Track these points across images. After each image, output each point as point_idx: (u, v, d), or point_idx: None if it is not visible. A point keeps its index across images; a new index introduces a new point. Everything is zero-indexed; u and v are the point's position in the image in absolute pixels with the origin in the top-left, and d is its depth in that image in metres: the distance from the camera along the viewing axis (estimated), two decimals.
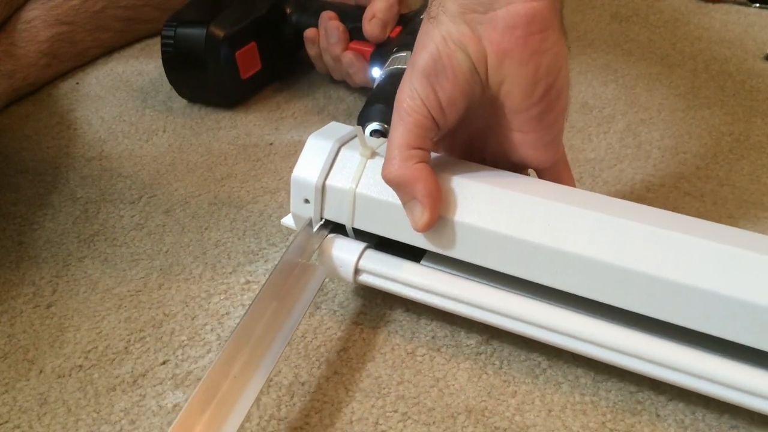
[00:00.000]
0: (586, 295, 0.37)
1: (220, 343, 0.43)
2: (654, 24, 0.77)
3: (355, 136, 0.42)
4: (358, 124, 0.51)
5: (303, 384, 0.41)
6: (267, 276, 0.47)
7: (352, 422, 0.38)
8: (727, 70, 0.68)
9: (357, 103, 0.65)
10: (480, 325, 0.43)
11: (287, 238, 0.50)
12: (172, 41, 0.62)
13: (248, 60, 0.64)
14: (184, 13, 0.64)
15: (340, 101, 0.66)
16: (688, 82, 0.67)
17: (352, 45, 0.62)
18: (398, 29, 0.62)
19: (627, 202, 0.39)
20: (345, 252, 0.42)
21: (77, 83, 0.70)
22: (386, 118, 0.50)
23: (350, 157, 0.41)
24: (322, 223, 0.43)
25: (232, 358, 0.36)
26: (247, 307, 0.45)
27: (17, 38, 0.68)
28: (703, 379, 0.36)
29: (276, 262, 0.48)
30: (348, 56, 0.62)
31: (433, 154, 0.41)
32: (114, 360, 0.43)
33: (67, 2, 0.71)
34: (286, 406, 0.39)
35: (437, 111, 0.38)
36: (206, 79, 0.63)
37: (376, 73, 0.60)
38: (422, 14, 0.61)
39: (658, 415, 0.38)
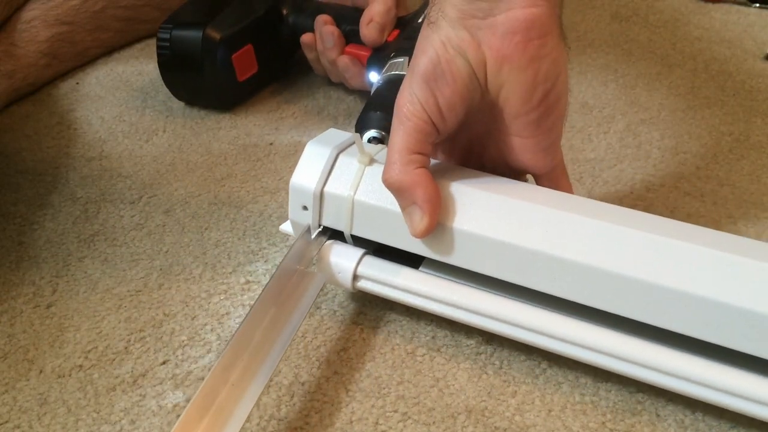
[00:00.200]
0: (583, 302, 0.37)
1: (220, 343, 0.43)
2: (654, 24, 0.77)
3: (353, 143, 0.43)
4: (356, 131, 0.51)
5: (303, 384, 0.41)
6: (266, 281, 0.47)
7: (352, 422, 0.39)
8: (727, 70, 0.68)
9: (356, 103, 0.65)
10: None
11: (287, 239, 0.50)
12: (168, 44, 0.62)
13: (245, 62, 0.64)
14: (181, 14, 0.63)
15: (339, 102, 0.66)
16: (688, 82, 0.67)
17: (349, 49, 0.62)
18: (396, 32, 0.61)
19: (625, 209, 0.39)
20: (343, 258, 0.42)
21: (77, 83, 0.70)
22: (384, 125, 0.50)
23: (348, 164, 0.42)
24: (320, 230, 0.43)
25: (230, 365, 0.36)
26: (246, 311, 0.45)
27: (17, 38, 0.68)
28: (701, 385, 0.36)
29: (276, 262, 0.49)
30: (344, 61, 0.61)
31: (432, 161, 0.41)
32: (114, 360, 0.43)
33: (67, 2, 0.71)
34: (286, 406, 0.39)
35: (437, 116, 0.38)
36: (203, 82, 0.63)
37: (374, 77, 0.59)
38: (420, 17, 0.61)
39: (658, 415, 0.38)
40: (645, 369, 0.37)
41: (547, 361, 0.41)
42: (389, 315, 0.44)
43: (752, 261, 0.34)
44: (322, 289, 0.46)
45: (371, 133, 0.50)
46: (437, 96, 0.37)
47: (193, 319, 0.45)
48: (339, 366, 0.42)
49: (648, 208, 0.52)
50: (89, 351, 0.43)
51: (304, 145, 0.43)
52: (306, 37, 0.64)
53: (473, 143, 0.43)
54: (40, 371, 0.42)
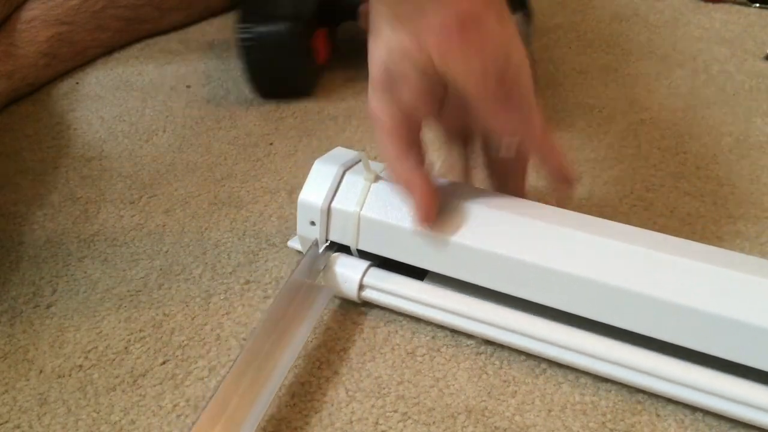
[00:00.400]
0: (584, 315, 0.39)
1: (220, 343, 0.43)
2: (654, 24, 0.77)
3: (359, 160, 0.44)
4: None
5: (303, 384, 0.41)
6: (266, 281, 0.47)
7: (352, 422, 0.38)
8: (727, 70, 0.68)
9: (357, 102, 0.65)
10: None
11: (287, 239, 0.50)
12: (252, 42, 0.63)
13: (321, 45, 0.67)
14: (251, 10, 0.65)
15: (340, 101, 0.66)
16: (688, 82, 0.67)
17: None
18: None
19: (624, 225, 0.40)
20: (349, 269, 0.44)
21: (77, 83, 0.70)
22: None
23: (354, 181, 0.43)
24: (327, 244, 0.44)
25: (241, 375, 0.37)
26: (246, 311, 0.45)
27: (17, 38, 0.68)
28: (700, 391, 0.37)
29: (276, 263, 0.49)
30: None
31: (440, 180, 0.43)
32: (114, 360, 0.43)
33: (67, 2, 0.71)
34: (286, 406, 0.39)
35: (408, 114, 0.39)
36: (290, 72, 0.66)
37: None
38: None
39: (658, 415, 0.38)
40: (642, 375, 0.38)
41: (547, 362, 0.41)
42: (389, 315, 0.44)
43: (744, 275, 0.36)
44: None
45: None
46: (398, 99, 0.38)
47: (193, 319, 0.45)
48: (339, 366, 0.42)
49: (648, 208, 0.52)
50: (89, 351, 0.43)
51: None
52: (366, 7, 0.64)
53: (466, 110, 0.43)
54: (40, 371, 0.42)
